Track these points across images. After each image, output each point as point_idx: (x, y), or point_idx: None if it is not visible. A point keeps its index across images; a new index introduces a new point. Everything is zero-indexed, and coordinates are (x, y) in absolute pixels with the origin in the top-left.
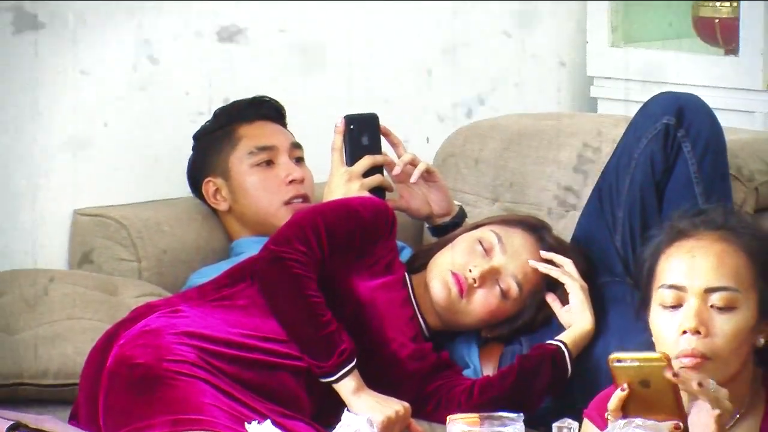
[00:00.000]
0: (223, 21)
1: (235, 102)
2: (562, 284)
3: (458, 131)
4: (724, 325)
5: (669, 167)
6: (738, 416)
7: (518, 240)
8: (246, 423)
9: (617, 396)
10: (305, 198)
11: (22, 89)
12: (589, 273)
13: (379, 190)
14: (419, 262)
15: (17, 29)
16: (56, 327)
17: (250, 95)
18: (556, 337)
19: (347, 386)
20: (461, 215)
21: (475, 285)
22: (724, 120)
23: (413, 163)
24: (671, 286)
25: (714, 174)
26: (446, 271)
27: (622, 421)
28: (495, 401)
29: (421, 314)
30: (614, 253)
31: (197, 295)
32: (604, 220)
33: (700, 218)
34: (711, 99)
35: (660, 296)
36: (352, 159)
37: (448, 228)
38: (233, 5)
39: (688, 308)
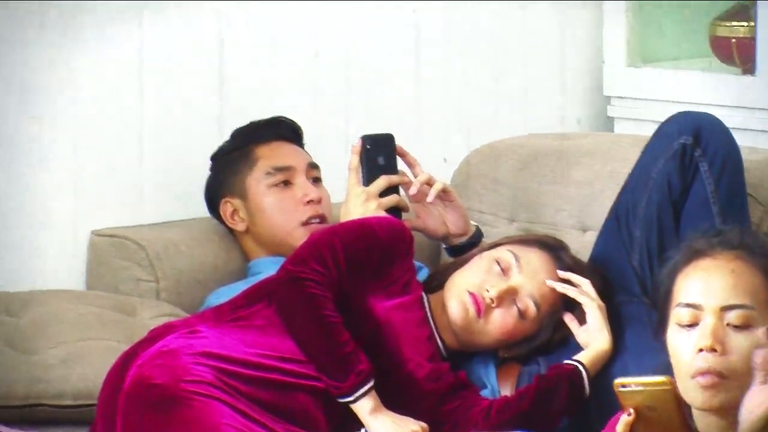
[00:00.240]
0: (248, 44)
1: (252, 122)
2: (580, 304)
3: (475, 151)
4: (741, 344)
5: (686, 187)
6: None
7: (535, 260)
8: None
9: (624, 421)
10: (322, 218)
11: (41, 112)
12: (606, 293)
13: (395, 210)
14: (436, 282)
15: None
16: (74, 348)
17: (268, 115)
18: (574, 357)
19: (365, 407)
20: (478, 235)
21: (493, 305)
22: (741, 139)
23: (429, 183)
24: (687, 305)
25: (731, 194)
26: (463, 291)
27: None
28: (512, 422)
29: (438, 334)
30: (631, 272)
31: (214, 316)
32: (621, 240)
33: (717, 238)
34: (728, 118)
35: (677, 315)
36: (368, 179)
37: (465, 248)
38: (256, 27)
39: (704, 326)
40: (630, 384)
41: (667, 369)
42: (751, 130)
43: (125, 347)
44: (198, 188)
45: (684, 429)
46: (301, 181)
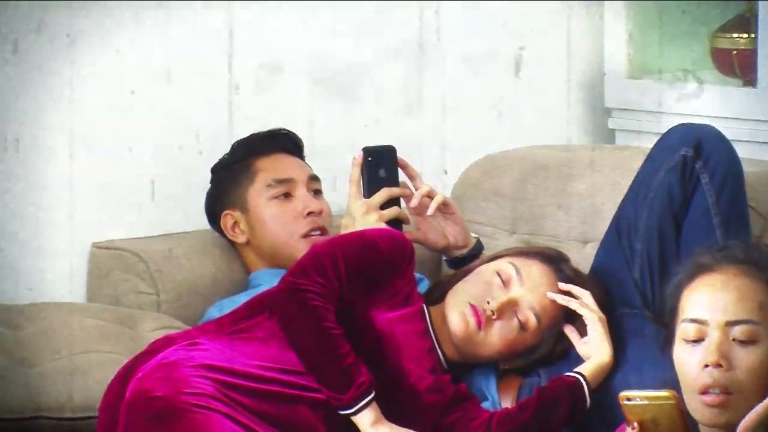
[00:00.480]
0: (251, 54)
1: (252, 135)
2: (581, 316)
3: (476, 163)
4: (746, 359)
5: (687, 199)
6: None
7: (536, 272)
8: None
9: None
10: (323, 230)
11: (41, 123)
12: (607, 305)
13: (396, 222)
14: (437, 294)
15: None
16: (75, 360)
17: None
18: (575, 369)
19: (366, 419)
20: (478, 247)
21: (493, 317)
22: (742, 151)
23: (430, 195)
24: (693, 320)
25: (732, 205)
26: (464, 303)
27: None
28: None
29: (439, 346)
30: (632, 285)
31: (215, 328)
32: (622, 252)
33: (722, 253)
34: (729, 130)
35: (683, 330)
36: (369, 191)
37: (466, 260)
38: (264, 40)
39: (710, 342)
40: (635, 397)
41: (670, 383)
42: (752, 141)
43: (126, 360)
44: (198, 200)
45: None
46: (301, 193)
